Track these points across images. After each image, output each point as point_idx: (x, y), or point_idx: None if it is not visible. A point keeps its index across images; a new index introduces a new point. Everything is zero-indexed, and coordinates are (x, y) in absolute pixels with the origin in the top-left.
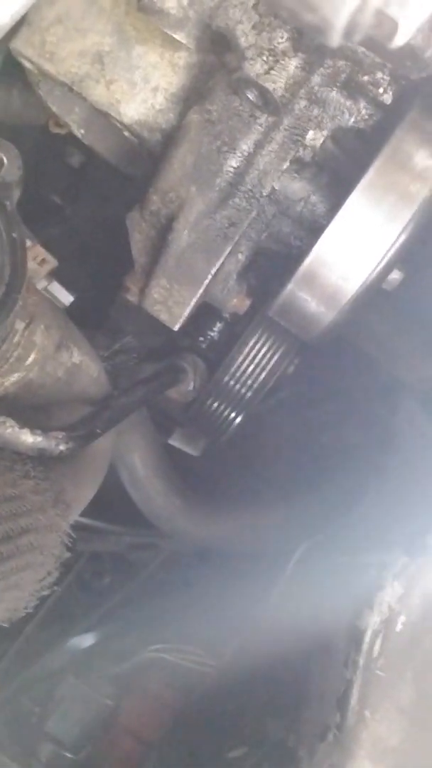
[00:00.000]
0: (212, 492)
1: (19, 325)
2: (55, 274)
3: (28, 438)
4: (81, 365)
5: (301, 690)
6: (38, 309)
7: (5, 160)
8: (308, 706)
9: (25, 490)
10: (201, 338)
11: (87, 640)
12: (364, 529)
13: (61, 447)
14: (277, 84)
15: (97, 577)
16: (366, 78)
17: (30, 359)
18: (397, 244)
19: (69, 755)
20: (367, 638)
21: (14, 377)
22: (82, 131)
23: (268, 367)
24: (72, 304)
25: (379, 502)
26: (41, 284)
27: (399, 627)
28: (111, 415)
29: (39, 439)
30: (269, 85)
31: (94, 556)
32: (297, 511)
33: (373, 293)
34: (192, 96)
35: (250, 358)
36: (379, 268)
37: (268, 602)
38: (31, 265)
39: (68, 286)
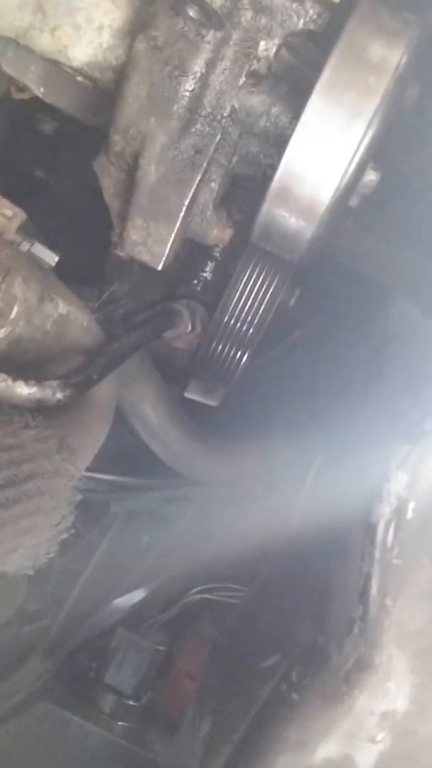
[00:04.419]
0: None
1: None
2: (46, 243)
3: (23, 390)
4: (69, 316)
5: (324, 592)
6: (13, 262)
7: None
8: (332, 606)
9: (27, 439)
10: (195, 281)
11: (134, 598)
12: (371, 435)
13: (58, 395)
14: None
15: (136, 537)
16: None
17: (13, 313)
18: (365, 142)
19: (132, 703)
20: (380, 530)
21: (0, 333)
22: (42, 89)
23: (266, 299)
24: (66, 268)
25: (382, 408)
26: (24, 247)
27: (409, 514)
28: (106, 361)
29: (34, 389)
30: None
31: (130, 515)
32: (309, 436)
33: (350, 199)
34: (137, 28)
35: (246, 293)
36: (350, 170)
37: (289, 521)
38: None
39: (62, 252)
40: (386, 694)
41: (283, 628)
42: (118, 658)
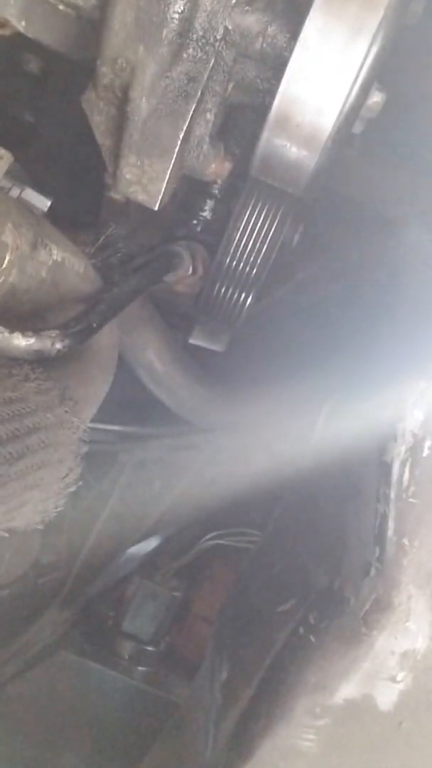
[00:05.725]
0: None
1: None
2: (38, 188)
3: (21, 342)
4: (64, 262)
5: (339, 536)
6: (2, 209)
7: None
8: (348, 549)
9: (27, 392)
10: (194, 222)
11: (148, 546)
12: (383, 373)
13: (57, 346)
14: None
15: (147, 486)
16: None
17: (5, 262)
18: (369, 60)
19: (150, 648)
20: (395, 469)
21: None
22: (23, 23)
23: (269, 237)
24: (60, 214)
25: (395, 344)
26: (14, 192)
27: (425, 452)
28: (105, 308)
29: (32, 341)
30: None
31: (140, 465)
32: (319, 378)
33: (355, 125)
34: None
35: (248, 231)
36: (354, 92)
37: (300, 464)
38: None
39: (55, 197)
40: (406, 634)
41: (299, 573)
42: (135, 606)
